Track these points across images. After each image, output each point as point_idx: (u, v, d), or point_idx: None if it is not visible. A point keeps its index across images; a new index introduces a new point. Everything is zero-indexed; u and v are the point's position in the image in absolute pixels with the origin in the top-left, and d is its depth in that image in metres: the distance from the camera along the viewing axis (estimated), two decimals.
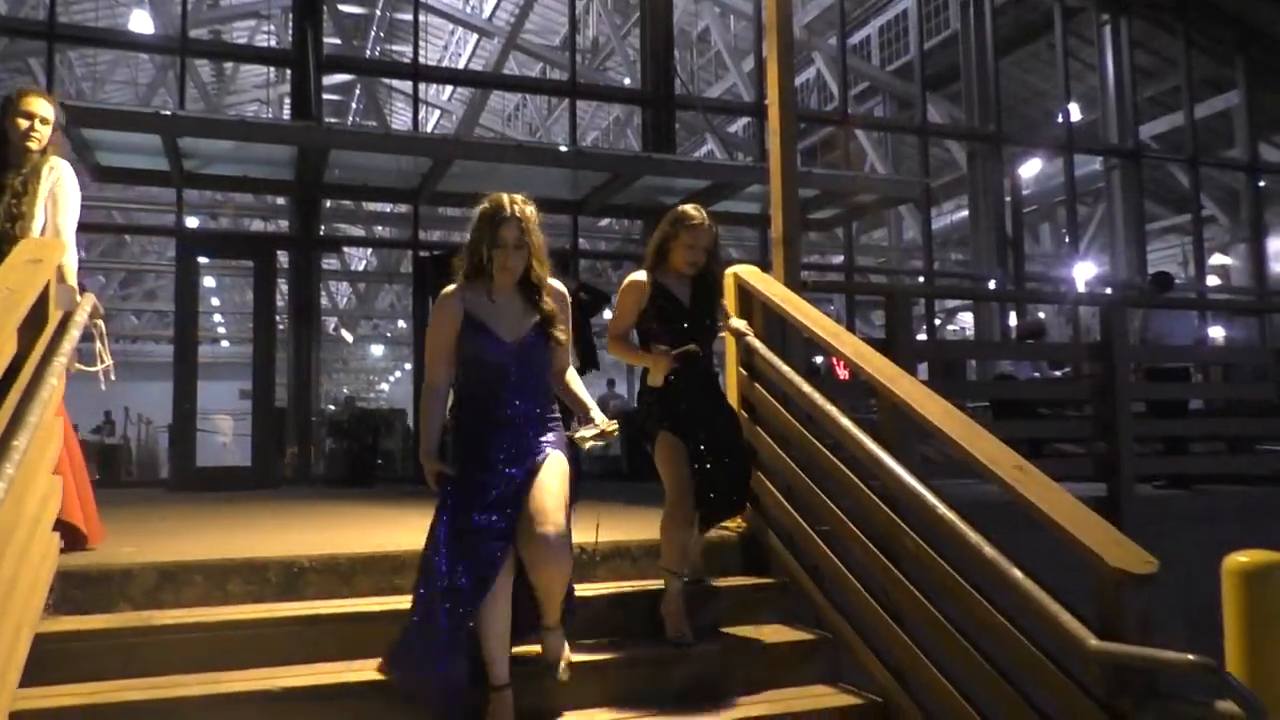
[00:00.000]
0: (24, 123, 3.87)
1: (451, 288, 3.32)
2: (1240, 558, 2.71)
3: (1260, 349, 11.19)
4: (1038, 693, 3.11)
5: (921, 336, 13.56)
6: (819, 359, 13.42)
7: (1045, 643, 3.02)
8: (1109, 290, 14.68)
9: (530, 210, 3.34)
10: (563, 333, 3.38)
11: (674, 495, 3.92)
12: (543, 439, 3.32)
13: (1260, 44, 15.64)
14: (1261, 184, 15.95)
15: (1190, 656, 2.44)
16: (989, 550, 3.11)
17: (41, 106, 3.92)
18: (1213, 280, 17.74)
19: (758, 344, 4.39)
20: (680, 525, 3.89)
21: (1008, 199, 14.75)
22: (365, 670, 3.36)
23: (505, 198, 3.32)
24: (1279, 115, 16.41)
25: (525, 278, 3.32)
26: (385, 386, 32.47)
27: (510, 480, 3.21)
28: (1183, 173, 16.00)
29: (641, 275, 4.03)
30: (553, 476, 3.25)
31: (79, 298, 3.82)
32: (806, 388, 4.07)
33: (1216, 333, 16.79)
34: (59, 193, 3.90)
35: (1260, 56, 15.72)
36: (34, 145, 3.88)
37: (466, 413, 3.33)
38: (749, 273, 4.81)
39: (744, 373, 4.63)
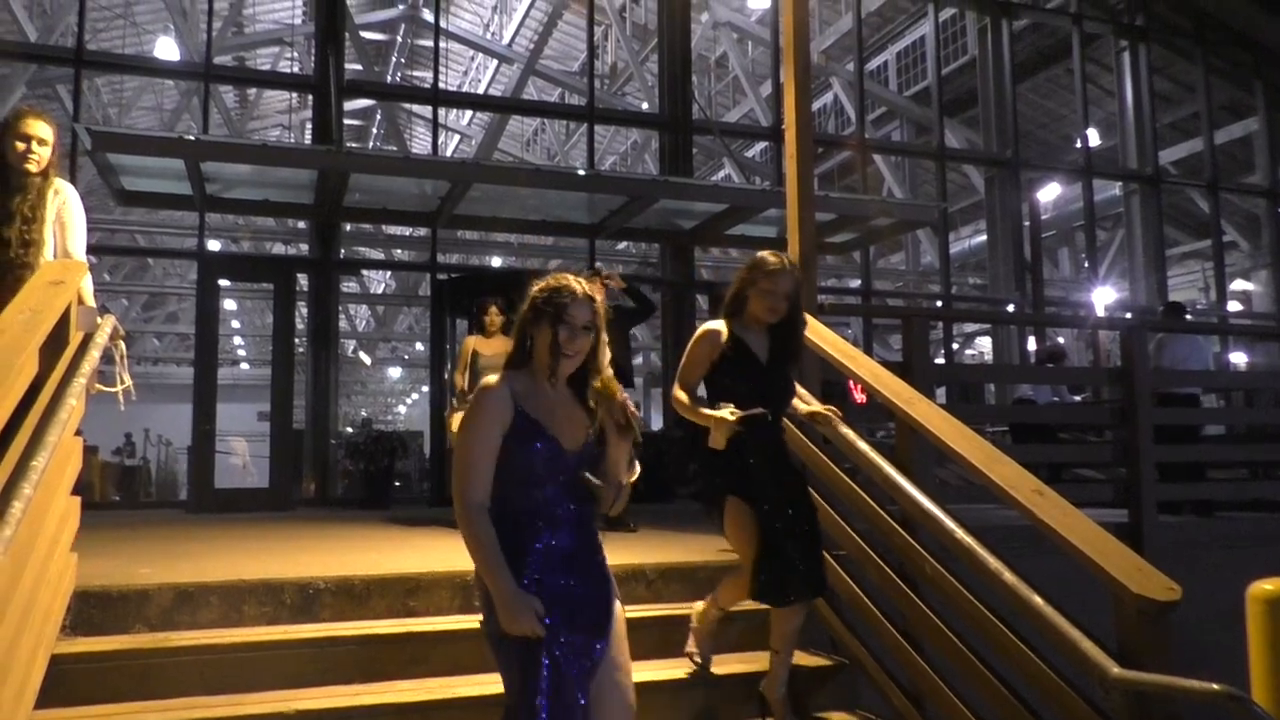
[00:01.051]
0: (21, 145, 3.79)
1: (492, 379, 2.64)
2: (1266, 585, 2.67)
3: None
4: None
5: (939, 360, 13.50)
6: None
7: (1066, 670, 2.99)
8: (1129, 315, 14.58)
9: (600, 298, 2.72)
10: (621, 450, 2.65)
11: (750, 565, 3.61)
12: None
13: (1277, 69, 15.59)
14: None
15: (1215, 686, 2.40)
16: (1009, 576, 3.08)
17: (39, 128, 3.83)
18: (1234, 306, 17.61)
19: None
20: (745, 594, 3.64)
21: (1026, 223, 14.71)
22: (380, 693, 3.36)
23: (571, 278, 2.70)
24: None
25: (579, 371, 2.66)
26: (403, 409, 32.57)
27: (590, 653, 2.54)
28: (1203, 198, 15.92)
29: (717, 325, 3.73)
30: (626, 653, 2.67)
31: (99, 320, 3.86)
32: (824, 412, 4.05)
33: (1239, 358, 16.65)
34: (66, 217, 3.90)
35: (1278, 81, 15.68)
36: (33, 167, 3.81)
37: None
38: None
39: None
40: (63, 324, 3.34)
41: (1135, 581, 2.76)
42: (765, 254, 3.77)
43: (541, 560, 2.51)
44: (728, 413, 3.44)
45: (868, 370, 4.09)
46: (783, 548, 3.50)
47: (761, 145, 17.57)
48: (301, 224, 13.99)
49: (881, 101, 18.41)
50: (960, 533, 3.32)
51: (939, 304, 15.31)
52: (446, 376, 11.82)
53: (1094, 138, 16.12)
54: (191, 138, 9.52)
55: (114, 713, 3.11)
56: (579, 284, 2.65)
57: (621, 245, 15.75)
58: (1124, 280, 16.10)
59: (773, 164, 14.80)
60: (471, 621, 3.83)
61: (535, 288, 2.66)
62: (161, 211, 11.97)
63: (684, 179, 12.04)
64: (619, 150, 23.97)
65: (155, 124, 18.66)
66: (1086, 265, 16.45)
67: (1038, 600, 2.96)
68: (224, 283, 12.74)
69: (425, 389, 26.02)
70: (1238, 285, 18.11)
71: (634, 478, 2.69)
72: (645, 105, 17.51)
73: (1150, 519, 5.65)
